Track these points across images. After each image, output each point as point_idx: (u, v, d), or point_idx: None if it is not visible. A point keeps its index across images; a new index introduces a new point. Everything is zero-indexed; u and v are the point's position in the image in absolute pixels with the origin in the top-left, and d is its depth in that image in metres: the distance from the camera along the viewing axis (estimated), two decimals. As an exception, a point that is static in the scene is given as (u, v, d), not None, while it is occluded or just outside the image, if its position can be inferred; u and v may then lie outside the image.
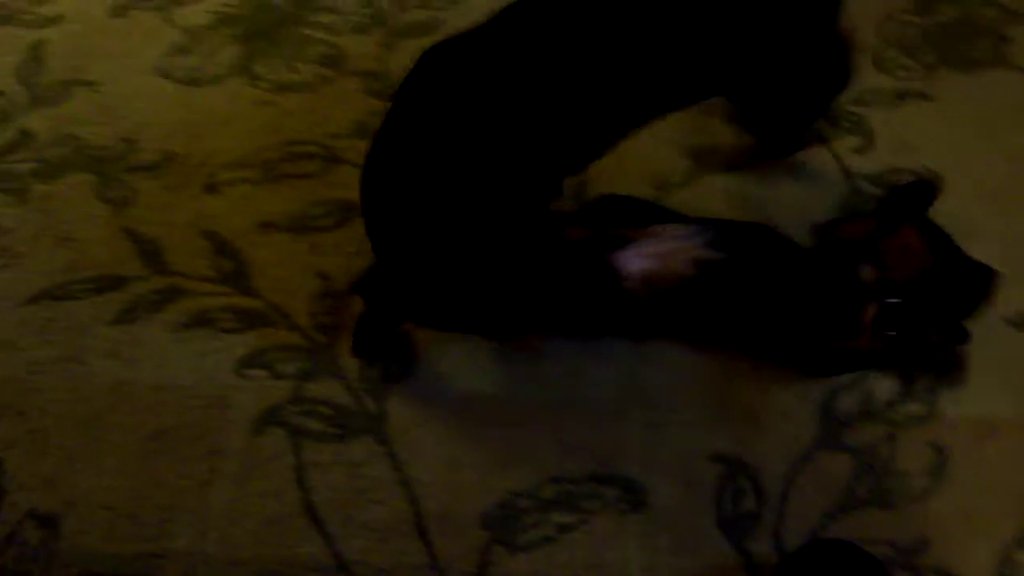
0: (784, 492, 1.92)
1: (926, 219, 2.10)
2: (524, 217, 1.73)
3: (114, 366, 2.11)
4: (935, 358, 2.06)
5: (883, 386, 2.05)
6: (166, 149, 2.47)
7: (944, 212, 2.25)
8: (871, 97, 2.55)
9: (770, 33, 1.89)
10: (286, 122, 2.52)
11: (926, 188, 2.11)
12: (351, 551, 1.87)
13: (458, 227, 1.67)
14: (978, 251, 2.14)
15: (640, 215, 2.11)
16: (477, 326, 1.99)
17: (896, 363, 2.05)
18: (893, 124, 2.50)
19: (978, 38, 2.72)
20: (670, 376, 2.07)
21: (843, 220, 2.25)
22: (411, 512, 1.91)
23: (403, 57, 2.58)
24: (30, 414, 2.05)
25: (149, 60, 2.67)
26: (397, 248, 1.72)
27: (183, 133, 2.50)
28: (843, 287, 1.99)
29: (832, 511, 1.90)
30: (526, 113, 1.69)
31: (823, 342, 2.03)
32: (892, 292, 1.98)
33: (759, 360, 2.07)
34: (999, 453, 1.97)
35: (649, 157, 2.37)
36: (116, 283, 2.23)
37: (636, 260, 1.76)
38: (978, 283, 2.03)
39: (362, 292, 2.03)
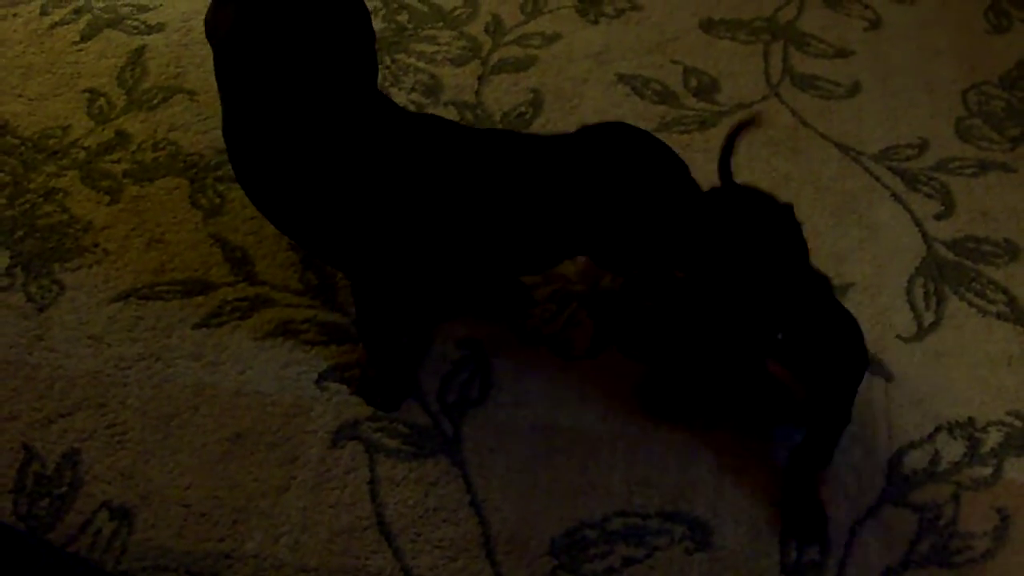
0: (848, 543, 1.93)
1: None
2: None
3: (197, 368, 2.15)
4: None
5: (950, 447, 2.06)
6: (259, 161, 2.51)
7: (1022, 284, 2.27)
8: (954, 165, 2.57)
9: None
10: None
11: None
12: (419, 567, 1.89)
13: None
14: None
15: None
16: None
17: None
18: (974, 193, 2.52)
19: (1062, 115, 2.74)
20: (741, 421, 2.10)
21: None
22: (480, 533, 1.93)
23: (497, 91, 2.63)
24: (110, 407, 2.09)
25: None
26: None
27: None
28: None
29: (894, 566, 1.91)
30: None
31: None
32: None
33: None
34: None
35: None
36: (204, 288, 2.27)
37: None
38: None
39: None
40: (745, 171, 2.50)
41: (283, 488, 1.99)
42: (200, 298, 2.26)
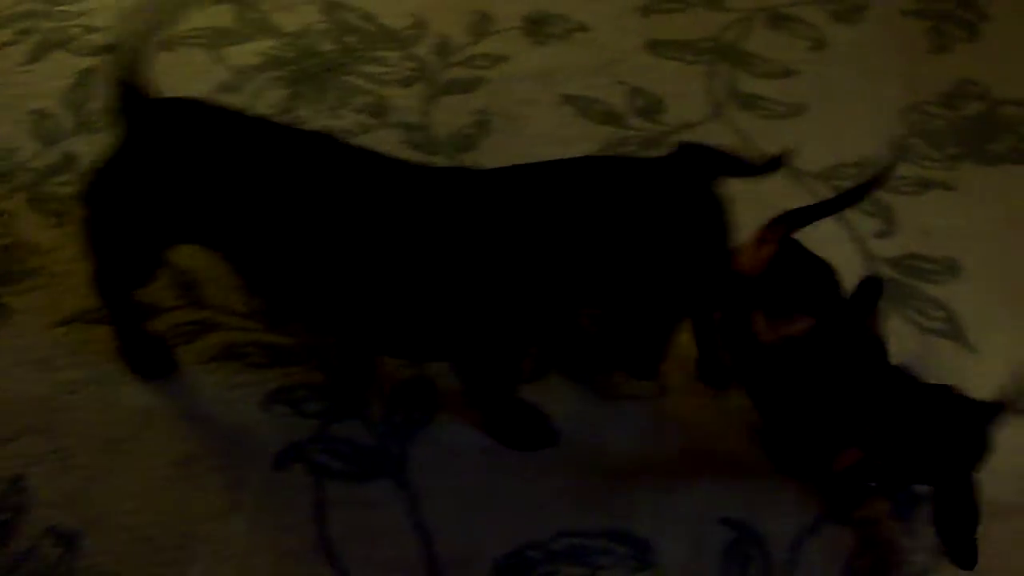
0: (791, 560, 1.95)
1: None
2: None
3: (143, 392, 2.15)
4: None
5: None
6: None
7: (961, 300, 2.31)
8: (895, 184, 2.60)
9: None
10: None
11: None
12: (364, 588, 1.90)
13: None
14: (994, 342, 2.25)
15: None
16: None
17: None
18: (915, 211, 2.55)
19: (1001, 134, 2.78)
20: (686, 439, 2.12)
21: None
22: (425, 555, 1.94)
23: (444, 112, 2.65)
24: (56, 432, 2.09)
25: (196, 96, 2.71)
26: None
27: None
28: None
29: (836, 583, 1.94)
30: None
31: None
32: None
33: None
34: (1002, 536, 1.99)
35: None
36: (151, 312, 2.27)
37: None
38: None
39: None
40: (689, 191, 2.52)
41: (229, 511, 1.99)
42: (147, 322, 2.25)
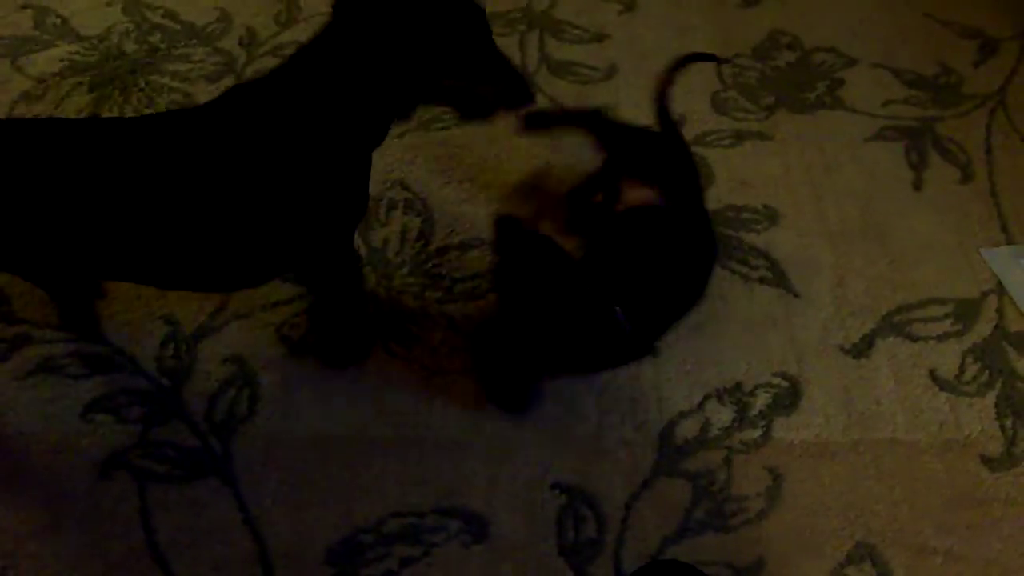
0: (624, 518, 1.96)
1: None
2: None
3: (-44, 415, 2.09)
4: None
5: (720, 413, 2.11)
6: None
7: (782, 247, 2.33)
8: (711, 138, 2.63)
9: None
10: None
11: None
12: (197, 590, 1.87)
13: None
14: (816, 284, 2.31)
15: None
16: None
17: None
18: (732, 163, 2.57)
19: (815, 81, 2.81)
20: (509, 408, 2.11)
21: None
22: (256, 550, 1.91)
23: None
24: None
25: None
26: None
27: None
28: None
29: (671, 536, 1.94)
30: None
31: None
32: None
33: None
34: (832, 475, 2.03)
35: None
36: (-41, 333, 2.21)
37: None
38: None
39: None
40: (507, 161, 2.52)
41: (53, 526, 1.94)
42: (-44, 346, 2.19)
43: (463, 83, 1.78)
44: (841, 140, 2.66)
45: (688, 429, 2.09)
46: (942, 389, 2.17)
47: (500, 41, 2.51)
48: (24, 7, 2.97)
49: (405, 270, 2.32)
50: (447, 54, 1.72)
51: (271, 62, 2.78)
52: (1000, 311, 2.30)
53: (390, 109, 1.80)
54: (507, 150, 2.56)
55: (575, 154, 2.52)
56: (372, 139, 1.83)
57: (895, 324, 2.27)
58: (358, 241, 2.35)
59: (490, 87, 1.81)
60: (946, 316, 2.29)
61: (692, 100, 2.73)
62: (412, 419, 2.09)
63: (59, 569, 1.89)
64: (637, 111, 2.61)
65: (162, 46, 2.85)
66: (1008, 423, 2.12)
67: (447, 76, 1.76)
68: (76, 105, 2.66)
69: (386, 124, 1.83)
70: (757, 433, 2.09)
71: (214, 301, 2.25)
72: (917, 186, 2.56)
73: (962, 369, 2.20)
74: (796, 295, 2.32)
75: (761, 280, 2.34)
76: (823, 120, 2.72)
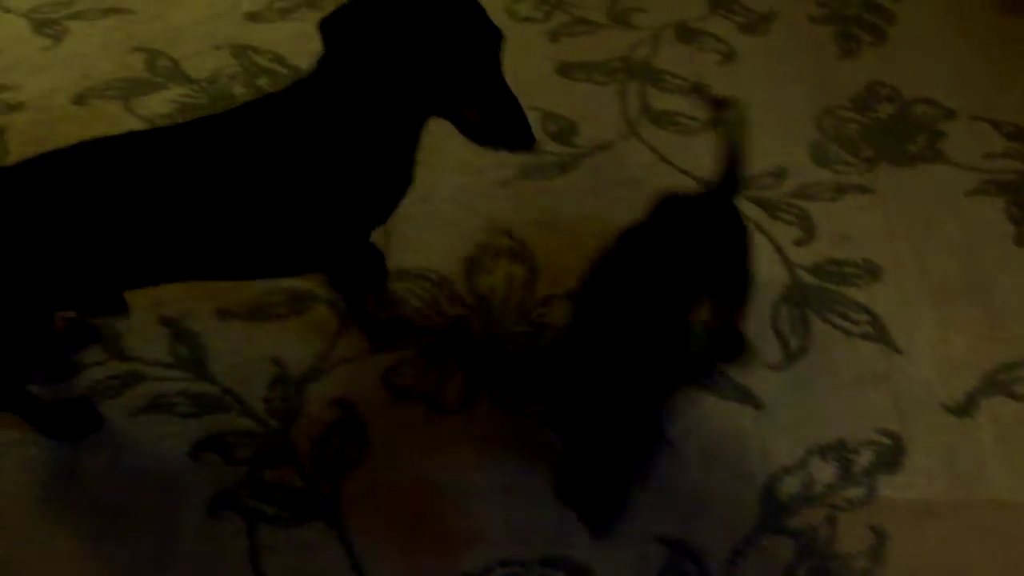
0: (727, 574, 1.96)
1: None
2: None
3: (70, 449, 2.12)
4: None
5: (823, 470, 2.10)
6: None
7: (884, 302, 2.33)
8: (812, 191, 2.63)
9: None
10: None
11: None
12: (303, 632, 1.89)
13: None
14: (918, 340, 2.31)
15: None
16: None
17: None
18: (833, 217, 2.57)
19: (914, 134, 2.81)
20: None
21: None
22: (363, 595, 1.94)
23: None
24: (-15, 496, 2.07)
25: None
26: None
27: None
28: None
29: (774, 593, 1.95)
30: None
31: None
32: None
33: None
34: (936, 536, 2.02)
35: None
36: (74, 369, 2.25)
37: None
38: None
39: None
40: (609, 211, 2.53)
41: (163, 562, 1.98)
42: (71, 379, 2.23)
43: (447, 100, 1.73)
44: (942, 194, 2.65)
45: (792, 485, 2.08)
46: (1048, 450, 2.16)
47: (600, 90, 2.55)
48: (136, 49, 3.02)
49: (511, 318, 2.34)
50: (437, 66, 1.68)
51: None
52: (1106, 370, 2.28)
53: (390, 115, 1.80)
54: (610, 200, 2.57)
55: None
56: (381, 144, 1.85)
57: (999, 382, 2.26)
58: (461, 288, 2.38)
59: (474, 111, 1.73)
60: (1051, 375, 2.28)
61: (792, 151, 2.73)
62: (517, 468, 2.10)
63: (168, 606, 1.93)
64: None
65: (270, 89, 2.89)
66: (1116, 487, 2.10)
67: (431, 88, 1.72)
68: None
69: (394, 130, 1.85)
70: (861, 491, 2.08)
71: (320, 345, 2.28)
72: (1019, 241, 2.54)
73: (1068, 430, 2.19)
74: (898, 351, 2.31)
75: (863, 335, 2.33)
76: (923, 174, 2.71)
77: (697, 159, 2.68)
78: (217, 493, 2.06)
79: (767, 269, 2.43)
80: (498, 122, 1.73)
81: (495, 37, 1.71)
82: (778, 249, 2.48)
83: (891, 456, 2.13)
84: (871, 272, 2.45)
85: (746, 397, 2.21)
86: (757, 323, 2.33)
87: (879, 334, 2.34)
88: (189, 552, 1.99)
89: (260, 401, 2.20)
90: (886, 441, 2.15)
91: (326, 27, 1.69)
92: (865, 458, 2.13)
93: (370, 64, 1.69)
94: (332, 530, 2.01)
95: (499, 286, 2.40)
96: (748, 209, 2.54)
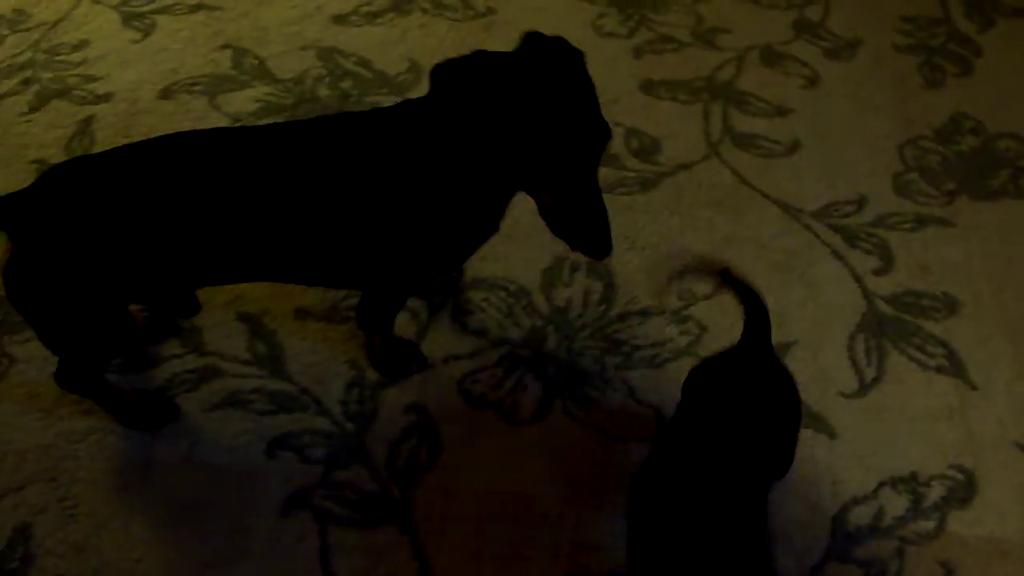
0: (796, 601, 1.96)
1: None
2: None
3: (148, 440, 2.15)
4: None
5: (894, 501, 2.09)
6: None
7: (961, 337, 2.32)
8: (892, 220, 2.62)
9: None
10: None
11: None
12: (371, 636, 1.91)
13: None
14: (995, 377, 2.30)
15: None
16: None
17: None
18: (913, 248, 2.57)
19: (997, 168, 2.80)
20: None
21: None
22: (432, 600, 1.95)
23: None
24: (62, 481, 2.10)
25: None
26: None
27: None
28: None
29: (842, 624, 1.94)
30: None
31: None
32: None
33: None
34: (1004, 574, 2.01)
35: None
36: (153, 361, 2.28)
37: None
38: None
39: None
40: (689, 231, 2.54)
41: (234, 558, 2.00)
42: (150, 371, 2.26)
43: (527, 182, 1.69)
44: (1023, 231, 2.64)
45: (861, 516, 2.08)
46: (1122, 494, 2.14)
47: (683, 109, 2.56)
48: (224, 47, 3.06)
49: (586, 332, 2.35)
50: (535, 160, 1.62)
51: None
52: None
53: (484, 177, 1.78)
54: (690, 220, 2.58)
55: (755, 228, 2.55)
56: (472, 196, 1.84)
57: (1074, 424, 2.25)
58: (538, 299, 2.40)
59: (549, 199, 1.67)
60: None
61: (873, 180, 2.72)
62: (588, 483, 2.11)
63: (237, 602, 1.95)
64: (821, 188, 2.65)
65: (354, 93, 2.92)
66: None
67: (524, 178, 1.68)
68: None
69: (486, 189, 1.83)
70: (931, 525, 2.07)
71: (394, 347, 2.30)
72: (1100, 281, 2.53)
73: None
74: (974, 387, 2.30)
75: (938, 369, 2.32)
76: (1006, 209, 2.69)
77: (779, 183, 2.68)
78: (291, 492, 2.08)
79: (845, 297, 2.43)
80: (578, 225, 1.67)
81: (603, 136, 1.65)
82: (856, 278, 2.48)
83: (963, 491, 2.12)
84: (949, 306, 2.44)
85: (820, 424, 2.20)
86: (833, 351, 2.33)
87: (955, 368, 2.33)
88: (260, 549, 2.01)
89: (336, 403, 2.22)
90: (958, 476, 2.14)
91: (437, 75, 1.66)
92: (936, 492, 2.12)
93: (471, 131, 1.65)
94: (404, 535, 2.02)
95: (576, 299, 2.41)
96: (827, 236, 2.54)
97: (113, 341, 2.02)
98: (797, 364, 2.27)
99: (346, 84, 2.95)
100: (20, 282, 1.78)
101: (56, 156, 2.71)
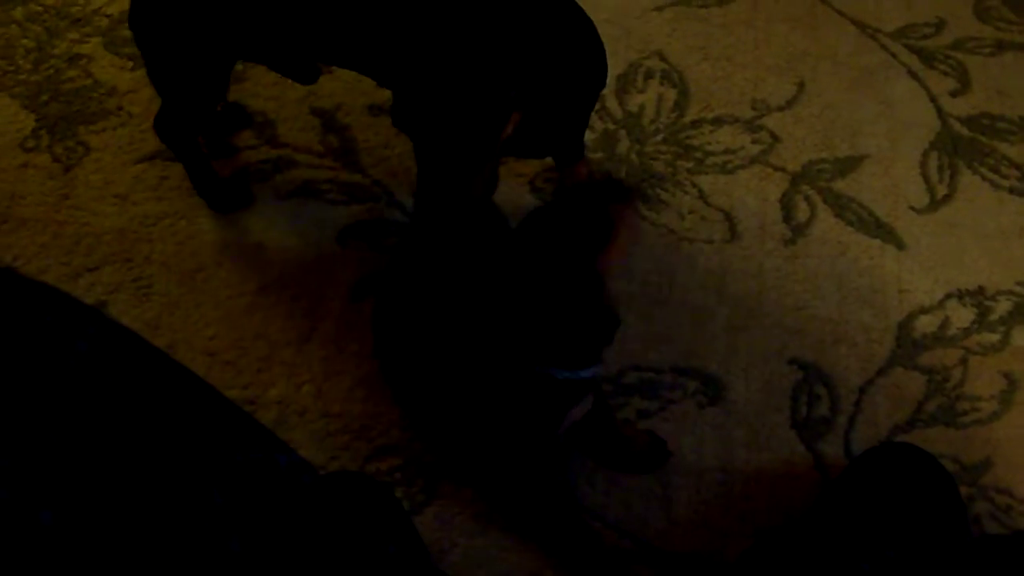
0: (857, 402, 1.98)
1: None
2: None
3: (221, 225, 2.19)
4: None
5: (960, 313, 2.10)
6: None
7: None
8: (971, 45, 2.59)
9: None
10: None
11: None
12: (437, 415, 1.94)
13: None
14: None
15: None
16: None
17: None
18: (991, 72, 2.54)
19: (1081, -3, 2.75)
20: (756, 283, 2.14)
21: None
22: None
23: None
24: (136, 262, 2.14)
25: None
26: None
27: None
28: None
29: (902, 424, 1.96)
30: None
31: None
32: None
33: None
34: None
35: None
36: (228, 150, 2.30)
37: None
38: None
39: None
40: (763, 46, 2.52)
41: (305, 339, 2.04)
42: (225, 160, 2.28)
43: None
44: (1107, 58, 2.60)
45: (927, 324, 2.09)
46: None
47: None
48: None
49: (659, 138, 2.34)
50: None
51: None
52: None
53: None
54: (765, 34, 2.56)
55: (831, 45, 2.53)
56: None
57: None
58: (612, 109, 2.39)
59: None
60: None
61: (954, 4, 2.68)
62: (657, 280, 2.13)
63: (308, 378, 1.98)
64: (900, 8, 2.62)
65: None
66: None
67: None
68: None
69: None
70: (996, 337, 2.08)
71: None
72: None
73: None
74: (1046, 207, 2.29)
75: (1011, 190, 2.31)
76: (1087, 38, 2.65)
77: (857, 3, 2.65)
78: (360, 279, 2.11)
79: (919, 116, 2.42)
80: None
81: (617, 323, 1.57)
82: (932, 98, 2.46)
83: (1030, 309, 2.13)
84: (1024, 129, 2.43)
85: (888, 235, 2.20)
86: (905, 166, 2.32)
87: (1026, 189, 2.32)
88: (331, 332, 2.05)
89: (407, 196, 2.23)
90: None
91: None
92: (1003, 307, 2.13)
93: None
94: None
95: (649, 106, 2.41)
96: (904, 56, 2.52)
97: (213, 92, 2.05)
98: (868, 177, 2.27)
99: None
100: (144, 16, 1.87)
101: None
